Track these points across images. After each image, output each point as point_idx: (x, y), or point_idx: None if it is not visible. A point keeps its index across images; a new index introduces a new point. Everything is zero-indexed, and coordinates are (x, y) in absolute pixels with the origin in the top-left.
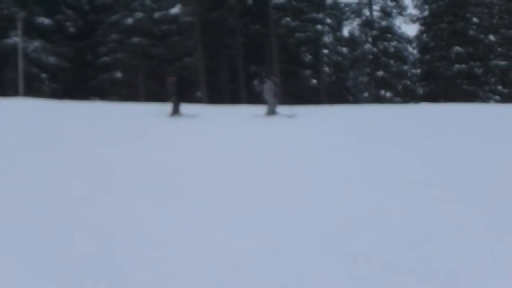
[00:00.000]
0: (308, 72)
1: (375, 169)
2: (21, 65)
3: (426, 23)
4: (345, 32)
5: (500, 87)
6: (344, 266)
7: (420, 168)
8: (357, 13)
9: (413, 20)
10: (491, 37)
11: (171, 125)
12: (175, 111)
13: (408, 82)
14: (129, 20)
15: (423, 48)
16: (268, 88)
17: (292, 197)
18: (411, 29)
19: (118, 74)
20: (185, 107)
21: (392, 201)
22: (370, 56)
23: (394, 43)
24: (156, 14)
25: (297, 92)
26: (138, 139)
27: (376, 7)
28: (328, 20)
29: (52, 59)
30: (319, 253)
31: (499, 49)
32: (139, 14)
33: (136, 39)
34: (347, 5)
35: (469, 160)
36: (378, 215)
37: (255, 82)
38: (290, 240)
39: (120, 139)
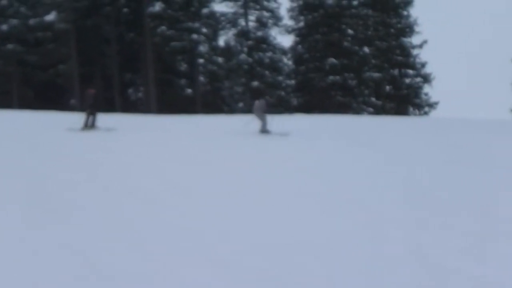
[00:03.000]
0: (183, 81)
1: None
2: None
3: (301, 34)
4: (221, 42)
5: (373, 99)
6: None
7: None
8: (233, 23)
9: (289, 31)
10: (366, 49)
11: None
12: (88, 124)
13: (283, 93)
14: (4, 27)
15: (298, 59)
16: (259, 106)
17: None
18: (286, 40)
19: None
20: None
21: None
22: (246, 66)
23: (269, 54)
24: (31, 21)
25: (172, 101)
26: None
27: (251, 18)
28: (204, 30)
29: None
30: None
31: (373, 61)
32: (14, 21)
33: (10, 46)
34: (223, 14)
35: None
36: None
37: (130, 90)
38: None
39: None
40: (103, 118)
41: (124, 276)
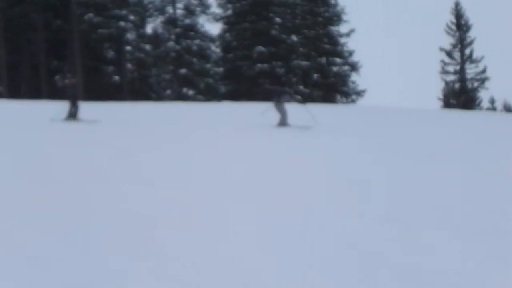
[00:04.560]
0: (110, 68)
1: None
2: None
3: (229, 22)
4: (149, 29)
5: (301, 87)
6: None
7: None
8: (161, 10)
9: (217, 19)
10: (294, 37)
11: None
12: (72, 115)
13: (211, 81)
14: None
15: (226, 47)
16: (284, 100)
17: None
18: (214, 28)
19: None
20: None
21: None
22: (173, 54)
23: (197, 41)
24: None
25: (99, 89)
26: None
27: (179, 5)
28: (132, 17)
29: None
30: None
31: (301, 49)
32: None
33: None
34: (150, 2)
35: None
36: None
37: (57, 77)
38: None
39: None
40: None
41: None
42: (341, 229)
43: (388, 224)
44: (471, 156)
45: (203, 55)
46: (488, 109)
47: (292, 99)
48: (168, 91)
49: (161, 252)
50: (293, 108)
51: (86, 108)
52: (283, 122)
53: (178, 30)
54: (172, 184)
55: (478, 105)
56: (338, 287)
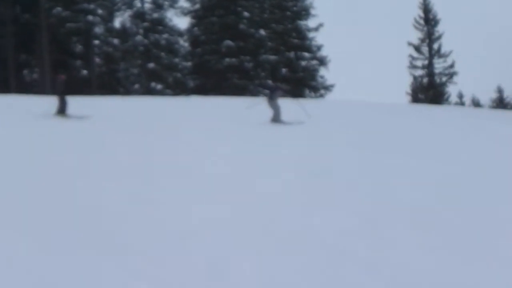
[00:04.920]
0: (78, 62)
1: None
2: None
3: (198, 16)
4: (117, 23)
5: (269, 82)
6: None
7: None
8: (129, 4)
9: (185, 13)
10: (262, 32)
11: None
12: (61, 111)
13: (179, 75)
14: None
15: (194, 41)
16: (277, 96)
17: None
18: (182, 22)
19: None
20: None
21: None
22: (141, 48)
23: (165, 36)
24: None
25: (67, 83)
26: None
27: None
28: (100, 11)
29: None
30: None
31: (269, 43)
32: None
33: None
34: None
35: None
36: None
37: (25, 71)
38: None
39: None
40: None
41: None
42: (307, 224)
43: (354, 219)
44: (437, 150)
45: (171, 49)
46: (456, 104)
47: (285, 94)
48: (136, 86)
49: (129, 247)
50: (285, 104)
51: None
52: (276, 119)
53: (146, 24)
54: (143, 180)
55: (447, 100)
56: (304, 281)
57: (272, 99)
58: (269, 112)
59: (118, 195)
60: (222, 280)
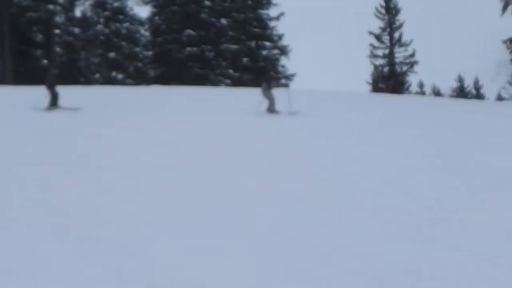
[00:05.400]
0: (39, 52)
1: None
2: None
3: (159, 5)
4: (78, 12)
5: (231, 71)
6: None
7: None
8: None
9: (146, 2)
10: (223, 21)
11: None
12: (53, 103)
13: (140, 64)
14: None
15: (155, 30)
16: (272, 86)
17: None
18: (143, 11)
19: None
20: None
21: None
22: (102, 37)
23: (126, 25)
24: None
25: (28, 72)
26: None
27: None
28: (60, 0)
29: None
30: None
31: (230, 32)
32: None
33: None
34: None
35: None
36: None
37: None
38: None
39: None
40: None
41: None
42: (264, 213)
43: (312, 207)
44: (396, 139)
45: (132, 38)
46: (417, 93)
47: (278, 84)
48: (97, 75)
49: (92, 234)
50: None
51: (17, 92)
52: (271, 109)
53: (107, 13)
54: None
55: (407, 89)
56: (262, 271)
57: (267, 89)
58: (263, 103)
59: (86, 184)
60: (179, 265)
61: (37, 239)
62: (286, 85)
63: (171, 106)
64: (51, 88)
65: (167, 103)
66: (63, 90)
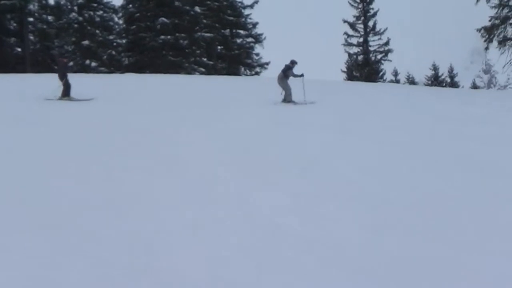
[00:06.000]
0: (12, 40)
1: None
2: None
3: None
4: (51, 0)
5: (205, 59)
6: None
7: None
8: None
9: None
10: (197, 9)
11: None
12: (65, 94)
13: (114, 52)
14: None
15: (129, 18)
16: (289, 75)
17: None
18: None
19: None
20: None
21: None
22: (76, 25)
23: (100, 13)
24: None
25: (1, 60)
26: None
27: None
28: None
29: None
30: None
31: (204, 21)
32: None
33: None
34: None
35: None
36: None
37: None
38: None
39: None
40: None
41: None
42: (243, 201)
43: (288, 196)
44: (371, 127)
45: (106, 26)
46: (391, 81)
47: (296, 75)
48: (71, 63)
49: (63, 224)
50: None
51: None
52: (288, 99)
53: (80, 1)
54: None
55: (382, 77)
56: (240, 258)
57: (283, 78)
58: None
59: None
60: (151, 254)
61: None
62: (257, 74)
63: (146, 94)
64: (64, 78)
65: (142, 91)
66: (38, 78)
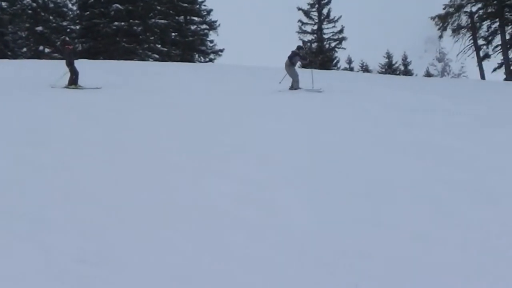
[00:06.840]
0: None
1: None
2: None
3: None
4: None
5: (159, 46)
6: None
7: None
8: None
9: None
10: None
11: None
12: (73, 82)
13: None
14: None
15: (83, 5)
16: (296, 62)
17: None
18: None
19: None
20: None
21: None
22: (29, 11)
23: None
24: None
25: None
26: None
27: None
28: None
29: None
30: None
31: (158, 7)
32: None
33: None
34: None
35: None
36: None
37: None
38: None
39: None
40: None
41: None
42: (197, 190)
43: (241, 184)
44: (325, 116)
45: (59, 12)
46: (345, 69)
47: (303, 60)
48: (24, 49)
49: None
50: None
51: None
52: (295, 86)
53: None
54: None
55: (335, 65)
56: (193, 247)
57: (290, 66)
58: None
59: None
60: (103, 244)
61: None
62: (211, 60)
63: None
64: (71, 65)
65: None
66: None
